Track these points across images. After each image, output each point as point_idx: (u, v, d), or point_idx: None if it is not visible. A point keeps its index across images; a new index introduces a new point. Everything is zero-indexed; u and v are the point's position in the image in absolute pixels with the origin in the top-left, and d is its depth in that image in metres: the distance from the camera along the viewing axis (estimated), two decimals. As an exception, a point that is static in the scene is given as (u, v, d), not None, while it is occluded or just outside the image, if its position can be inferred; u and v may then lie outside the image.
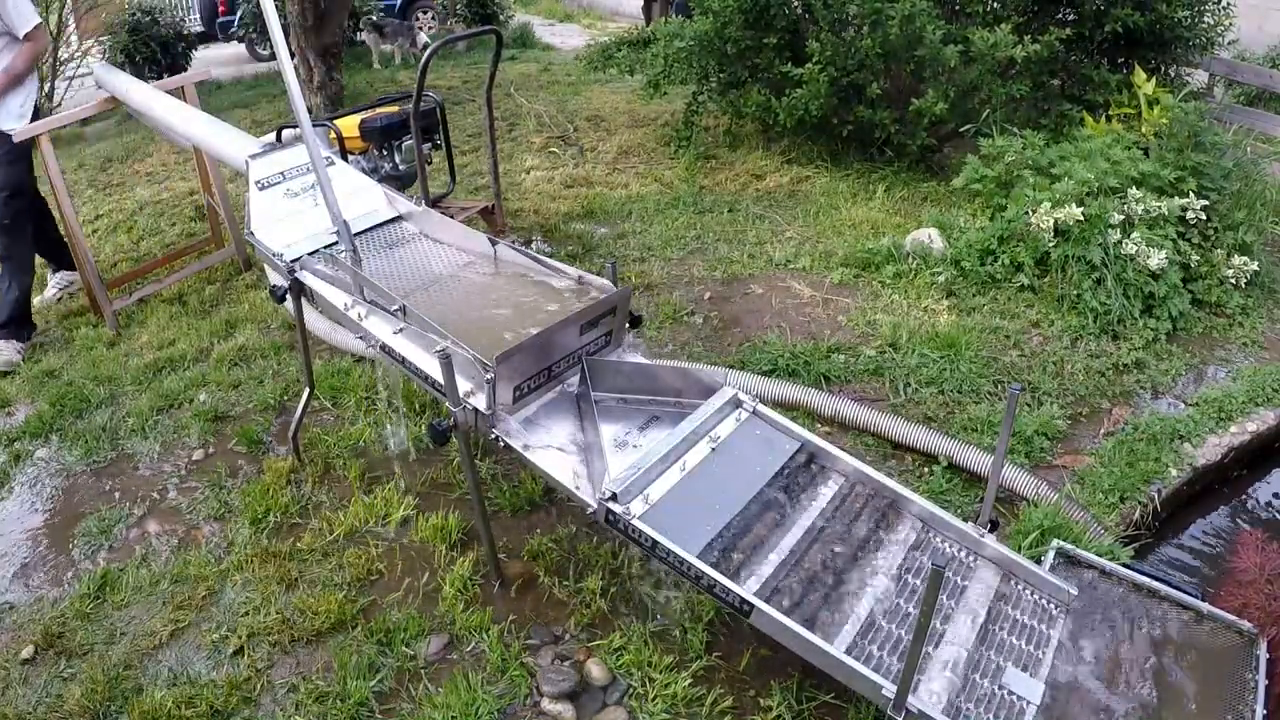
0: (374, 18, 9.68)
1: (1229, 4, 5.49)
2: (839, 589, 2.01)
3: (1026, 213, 3.87)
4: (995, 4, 5.17)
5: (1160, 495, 2.78)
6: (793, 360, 3.35)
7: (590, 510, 2.01)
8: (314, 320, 3.50)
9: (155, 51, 9.50)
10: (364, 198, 2.85)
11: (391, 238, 2.80)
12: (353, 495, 2.78)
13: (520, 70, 9.05)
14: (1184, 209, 3.83)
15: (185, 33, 10.11)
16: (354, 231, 2.57)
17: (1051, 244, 3.79)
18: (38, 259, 4.27)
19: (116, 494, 2.94)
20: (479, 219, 4.51)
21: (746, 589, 1.88)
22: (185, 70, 9.41)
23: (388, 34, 9.80)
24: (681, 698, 2.07)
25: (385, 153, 4.09)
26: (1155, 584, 2.21)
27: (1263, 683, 2.00)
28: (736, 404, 2.31)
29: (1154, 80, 4.46)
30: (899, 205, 4.89)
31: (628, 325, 2.42)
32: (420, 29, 10.73)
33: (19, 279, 3.99)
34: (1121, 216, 3.70)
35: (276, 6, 2.63)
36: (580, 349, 2.32)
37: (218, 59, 10.97)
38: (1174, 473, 2.87)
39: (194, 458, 3.07)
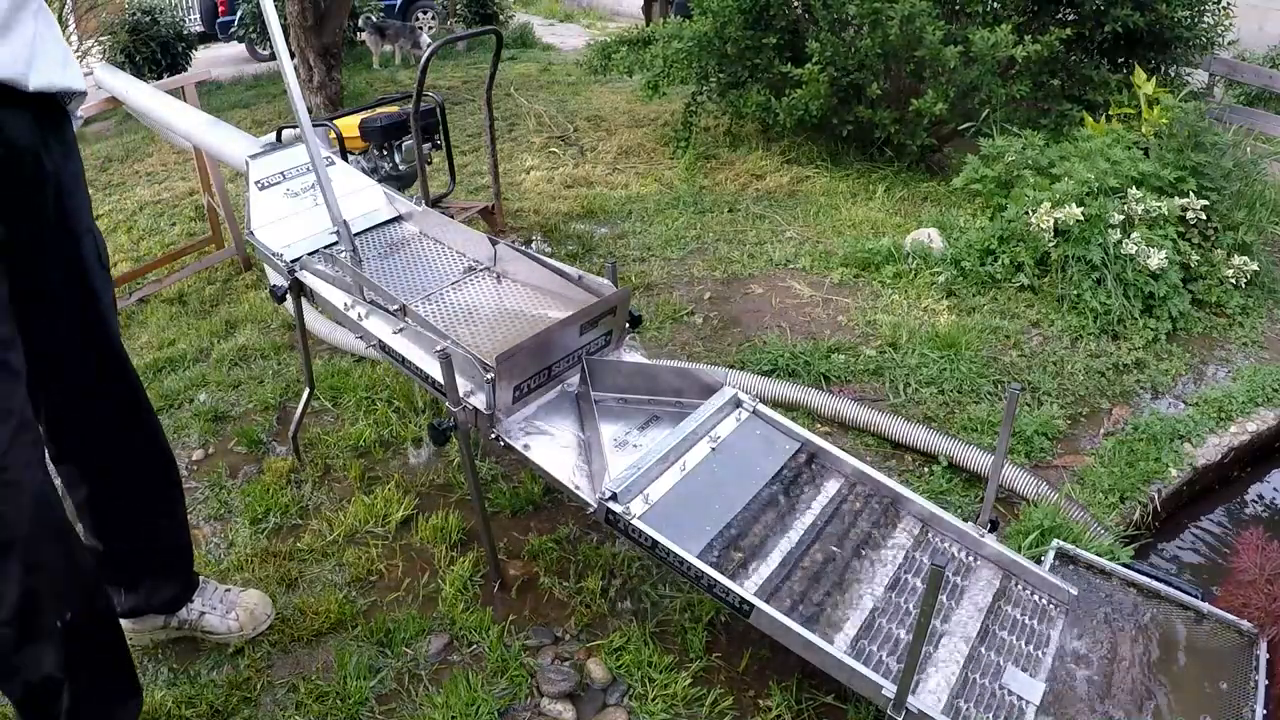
0: (374, 18, 9.67)
1: (1229, 4, 5.49)
2: (839, 589, 2.02)
3: (1026, 213, 3.87)
4: (995, 4, 5.17)
5: (1160, 495, 2.78)
6: (793, 360, 3.35)
7: (590, 510, 2.01)
8: (314, 320, 3.50)
9: (155, 51, 9.49)
10: (364, 198, 2.85)
11: (391, 237, 2.81)
12: (353, 495, 2.78)
13: (520, 70, 9.05)
14: (1184, 209, 3.83)
15: (185, 33, 10.10)
16: (354, 231, 2.57)
17: (1051, 244, 3.79)
18: None
19: (116, 494, 2.94)
20: (479, 219, 4.51)
21: (746, 589, 1.88)
22: (185, 70, 9.42)
23: (388, 35, 9.79)
24: (681, 698, 2.07)
25: (385, 153, 4.09)
26: (1155, 584, 2.21)
27: (1263, 683, 2.00)
28: (736, 404, 2.31)
29: (1154, 80, 4.46)
30: (899, 205, 4.89)
31: (628, 325, 2.42)
32: (421, 29, 10.72)
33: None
34: (1121, 216, 3.70)
35: (276, 6, 2.63)
36: (580, 349, 2.32)
37: (218, 59, 10.97)
38: (1174, 473, 2.86)
39: (194, 458, 3.07)
